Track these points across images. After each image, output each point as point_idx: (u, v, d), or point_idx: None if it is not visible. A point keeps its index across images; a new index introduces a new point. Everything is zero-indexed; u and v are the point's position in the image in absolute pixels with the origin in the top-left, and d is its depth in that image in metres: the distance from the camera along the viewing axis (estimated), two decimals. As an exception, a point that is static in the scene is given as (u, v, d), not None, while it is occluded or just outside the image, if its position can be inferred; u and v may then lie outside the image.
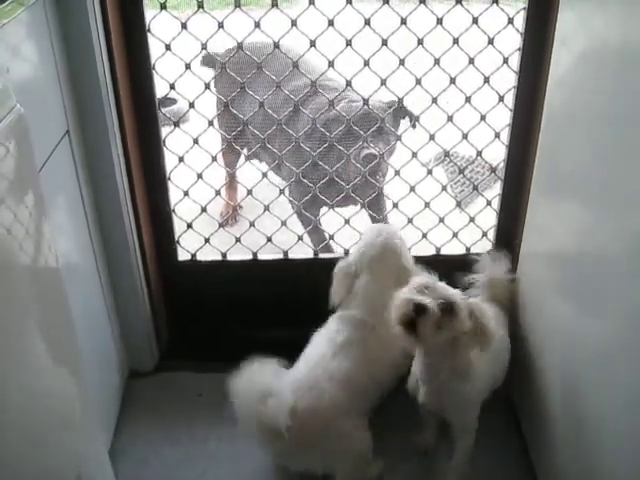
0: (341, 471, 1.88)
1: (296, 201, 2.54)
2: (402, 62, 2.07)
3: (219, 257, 2.37)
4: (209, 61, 2.97)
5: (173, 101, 3.56)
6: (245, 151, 2.95)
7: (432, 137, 2.21)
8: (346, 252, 2.34)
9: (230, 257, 2.37)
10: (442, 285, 1.70)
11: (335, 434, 1.80)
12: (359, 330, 1.98)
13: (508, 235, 2.27)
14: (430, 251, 2.37)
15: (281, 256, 2.37)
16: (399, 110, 2.67)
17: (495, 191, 2.35)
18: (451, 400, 1.83)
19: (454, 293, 1.69)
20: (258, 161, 2.92)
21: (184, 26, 1.98)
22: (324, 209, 2.73)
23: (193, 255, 2.35)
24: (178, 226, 2.32)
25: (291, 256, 2.38)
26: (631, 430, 1.37)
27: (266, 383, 1.76)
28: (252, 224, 2.35)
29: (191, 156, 2.23)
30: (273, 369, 1.80)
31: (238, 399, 1.74)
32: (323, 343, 1.98)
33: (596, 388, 1.55)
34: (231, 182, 3.23)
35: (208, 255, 2.38)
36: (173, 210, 2.27)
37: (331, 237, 2.45)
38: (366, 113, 2.51)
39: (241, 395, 1.74)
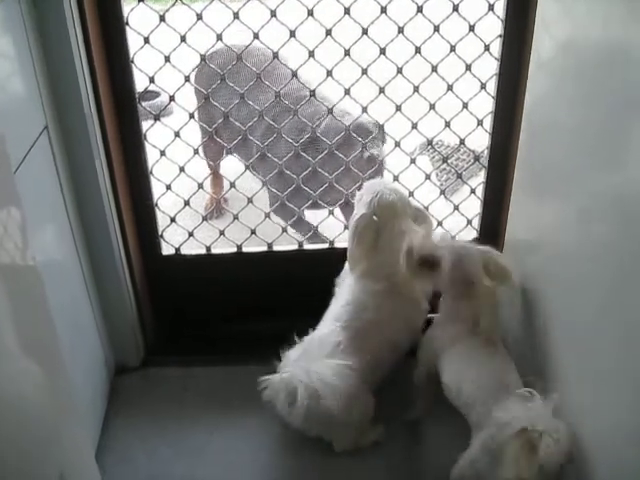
0: (338, 437, 1.93)
1: (279, 193, 2.49)
2: (383, 51, 2.06)
3: (203, 251, 2.36)
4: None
5: (156, 94, 3.54)
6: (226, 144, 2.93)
7: (415, 126, 2.20)
8: (331, 243, 2.34)
9: (215, 250, 2.36)
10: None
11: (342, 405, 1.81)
12: (388, 297, 1.98)
13: (492, 223, 2.27)
14: (415, 240, 2.36)
15: (266, 248, 2.36)
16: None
17: (480, 179, 2.34)
18: None
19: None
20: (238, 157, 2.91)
21: (162, 19, 1.97)
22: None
23: (177, 249, 2.34)
24: (162, 220, 2.31)
25: (276, 248, 2.37)
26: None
27: None
28: (236, 217, 2.34)
29: (174, 149, 2.21)
30: None
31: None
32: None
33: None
34: (214, 175, 3.21)
35: (192, 249, 2.37)
36: (156, 204, 2.25)
37: (315, 228, 2.44)
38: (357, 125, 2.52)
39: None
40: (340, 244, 2.31)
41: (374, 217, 1.97)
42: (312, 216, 2.69)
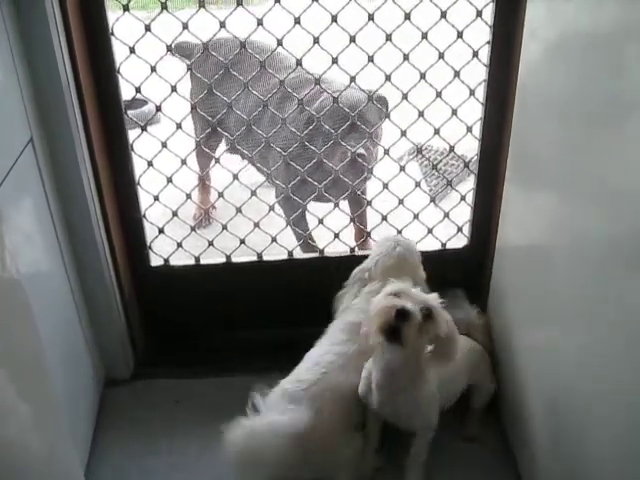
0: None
1: (283, 186, 2.45)
2: (371, 59, 2.05)
3: (192, 261, 2.33)
4: (183, 50, 2.83)
5: (143, 102, 3.51)
6: (223, 146, 2.90)
7: (404, 133, 2.19)
8: (321, 252, 2.32)
9: (204, 261, 2.34)
10: (416, 291, 1.65)
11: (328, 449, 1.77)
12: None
13: (483, 229, 2.26)
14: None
15: (255, 258, 2.34)
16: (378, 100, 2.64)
17: (469, 184, 2.33)
18: (407, 406, 1.77)
19: (430, 297, 1.65)
20: (240, 157, 2.89)
21: (147, 28, 1.95)
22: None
23: (166, 260, 2.31)
24: (150, 231, 2.28)
25: (265, 258, 2.35)
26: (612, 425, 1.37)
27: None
28: (225, 227, 2.32)
29: (161, 159, 2.19)
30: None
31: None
32: (329, 355, 1.90)
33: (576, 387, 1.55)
34: (203, 184, 3.19)
35: (181, 259, 2.34)
36: (144, 215, 2.22)
37: (309, 233, 2.43)
38: (350, 106, 2.46)
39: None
40: (330, 253, 2.30)
41: (366, 273, 2.03)
42: (313, 217, 2.65)
